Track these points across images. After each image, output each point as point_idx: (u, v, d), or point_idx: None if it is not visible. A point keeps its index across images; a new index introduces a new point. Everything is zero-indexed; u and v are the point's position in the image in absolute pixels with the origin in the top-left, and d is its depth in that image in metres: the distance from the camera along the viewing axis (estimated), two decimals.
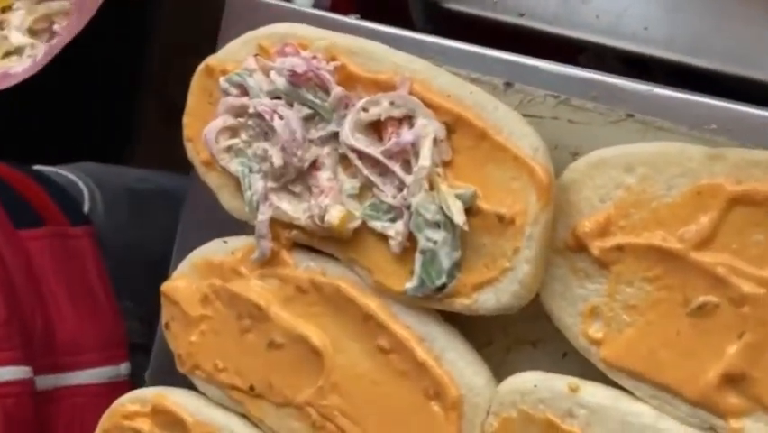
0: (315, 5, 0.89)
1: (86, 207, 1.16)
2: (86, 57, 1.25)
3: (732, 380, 0.60)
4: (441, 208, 0.67)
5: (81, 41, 0.92)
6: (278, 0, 0.86)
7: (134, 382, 1.09)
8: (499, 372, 0.70)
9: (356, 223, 0.71)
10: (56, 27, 0.90)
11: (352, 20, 0.81)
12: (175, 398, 0.82)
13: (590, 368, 0.66)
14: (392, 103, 0.69)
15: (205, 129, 0.76)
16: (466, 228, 0.66)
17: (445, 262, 0.67)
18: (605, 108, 0.68)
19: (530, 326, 0.71)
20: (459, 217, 0.66)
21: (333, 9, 0.88)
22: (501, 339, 0.72)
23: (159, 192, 1.26)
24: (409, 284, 0.69)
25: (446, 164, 0.68)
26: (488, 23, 0.88)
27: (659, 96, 0.68)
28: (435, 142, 0.67)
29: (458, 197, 0.67)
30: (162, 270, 0.97)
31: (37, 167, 1.19)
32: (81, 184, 1.19)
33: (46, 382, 1.02)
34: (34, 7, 0.90)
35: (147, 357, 1.06)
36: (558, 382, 0.66)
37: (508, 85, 0.71)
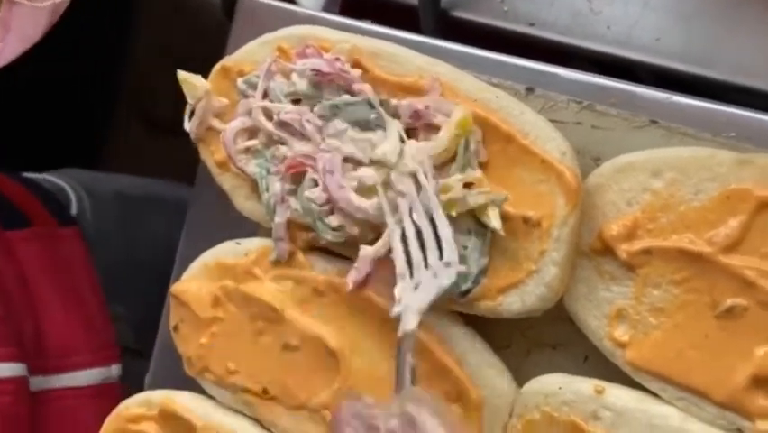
0: (324, 10, 0.89)
1: (73, 210, 1.15)
2: (60, 58, 1.24)
3: (761, 382, 0.61)
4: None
5: (56, 42, 0.92)
6: (289, 4, 0.86)
7: (125, 385, 1.08)
8: (519, 375, 0.71)
9: None
10: None
11: (367, 25, 0.81)
12: (183, 401, 0.81)
13: (612, 371, 0.67)
14: (427, 107, 0.69)
15: (223, 130, 0.76)
16: (503, 234, 0.66)
17: (473, 267, 0.67)
18: (628, 114, 0.69)
19: (550, 328, 0.71)
20: (496, 223, 0.66)
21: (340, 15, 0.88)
22: (520, 342, 0.72)
23: (149, 198, 1.25)
24: None
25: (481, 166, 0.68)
26: (497, 33, 0.88)
27: (678, 103, 0.69)
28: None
29: (492, 202, 0.67)
30: (154, 275, 0.97)
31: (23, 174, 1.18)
32: (68, 188, 1.18)
33: (36, 383, 1.01)
34: None
35: (138, 362, 1.05)
36: (583, 385, 0.66)
37: (530, 90, 0.72)
